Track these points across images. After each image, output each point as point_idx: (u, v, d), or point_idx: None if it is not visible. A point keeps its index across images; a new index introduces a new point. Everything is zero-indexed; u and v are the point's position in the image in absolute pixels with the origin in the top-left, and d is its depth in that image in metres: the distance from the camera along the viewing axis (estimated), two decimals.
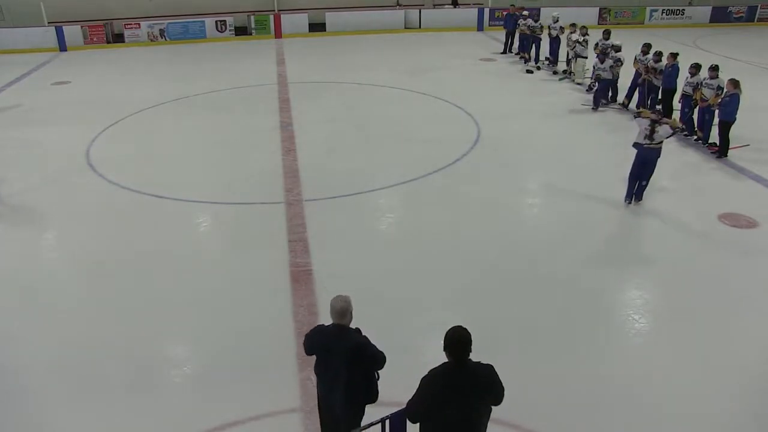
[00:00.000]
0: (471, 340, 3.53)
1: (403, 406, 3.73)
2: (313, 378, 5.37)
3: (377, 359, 4.15)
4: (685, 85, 11.24)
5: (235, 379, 5.47)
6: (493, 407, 3.64)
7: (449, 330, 3.57)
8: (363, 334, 4.18)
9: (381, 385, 4.31)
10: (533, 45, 17.31)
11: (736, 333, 6.14)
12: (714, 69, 10.62)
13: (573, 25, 15.71)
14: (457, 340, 3.51)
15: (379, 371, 4.24)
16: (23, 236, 8.27)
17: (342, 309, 4.09)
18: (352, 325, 4.17)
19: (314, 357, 4.26)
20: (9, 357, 5.86)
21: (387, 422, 3.96)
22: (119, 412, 5.15)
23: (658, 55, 12.14)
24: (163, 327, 6.32)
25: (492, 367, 3.61)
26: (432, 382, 3.57)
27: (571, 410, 5.10)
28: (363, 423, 4.15)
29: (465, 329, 3.53)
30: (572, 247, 7.72)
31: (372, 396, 4.26)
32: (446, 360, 3.59)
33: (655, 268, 7.39)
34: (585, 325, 6.26)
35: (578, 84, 15.33)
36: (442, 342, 3.57)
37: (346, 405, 4.17)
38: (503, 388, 3.63)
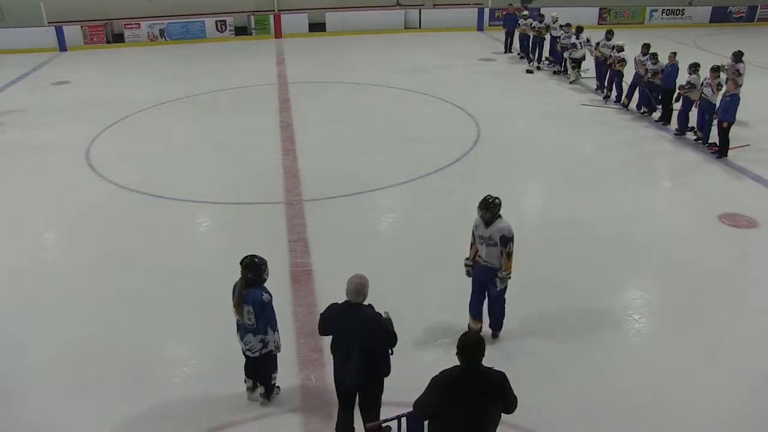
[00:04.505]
0: (484, 346, 3.52)
1: (409, 406, 3.75)
2: (314, 378, 5.44)
3: (390, 335, 4.29)
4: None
5: (235, 379, 5.46)
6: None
7: (463, 334, 3.58)
8: (376, 310, 4.31)
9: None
10: (537, 45, 17.30)
11: (736, 333, 6.13)
12: (715, 70, 10.65)
13: (568, 24, 15.78)
14: (471, 345, 3.50)
15: (392, 348, 4.38)
16: (23, 236, 8.26)
17: (358, 286, 4.23)
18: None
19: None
20: (9, 357, 5.86)
21: (403, 420, 4.02)
22: (119, 412, 5.15)
23: (655, 56, 12.14)
24: (162, 327, 6.32)
25: (504, 374, 3.61)
26: (442, 382, 3.58)
27: (570, 410, 5.10)
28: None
29: (478, 334, 3.53)
30: (572, 247, 7.72)
31: (386, 369, 4.40)
32: (456, 363, 3.59)
33: (655, 268, 7.40)
34: (584, 325, 6.25)
35: (572, 83, 15.36)
36: (455, 346, 3.57)
37: (361, 377, 4.31)
38: (515, 397, 3.64)
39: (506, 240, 5.52)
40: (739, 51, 12.14)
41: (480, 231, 5.66)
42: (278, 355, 5.12)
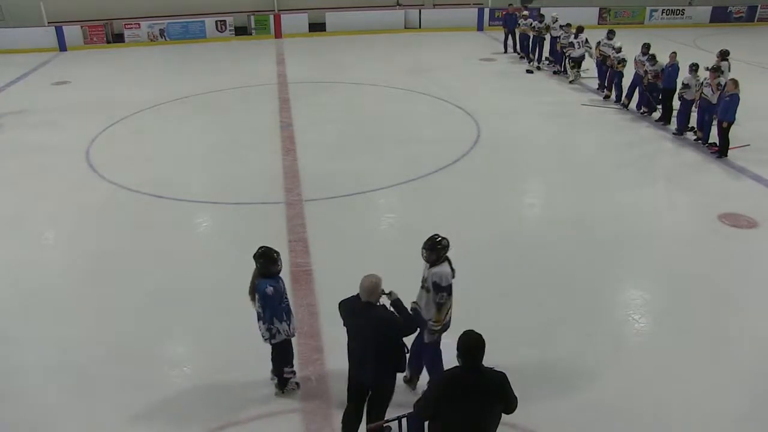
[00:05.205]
0: (484, 346, 3.52)
1: (409, 406, 3.76)
2: (314, 378, 5.44)
3: (403, 331, 4.44)
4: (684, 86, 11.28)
5: (235, 379, 5.48)
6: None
7: (463, 334, 3.57)
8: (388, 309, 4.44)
9: None
10: (537, 45, 17.30)
11: (735, 333, 6.13)
12: (715, 70, 10.67)
13: (568, 25, 15.78)
14: (471, 346, 3.51)
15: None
16: (23, 236, 8.26)
17: (370, 286, 4.32)
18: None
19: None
20: (9, 357, 5.86)
21: (404, 420, 4.04)
22: (119, 412, 5.15)
23: (653, 58, 12.15)
24: (162, 327, 6.32)
25: (504, 375, 3.62)
26: (443, 383, 3.58)
27: (570, 410, 5.10)
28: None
29: (478, 334, 3.52)
30: (572, 247, 7.72)
31: (401, 365, 4.53)
32: (457, 364, 3.60)
33: (656, 268, 7.40)
34: (584, 325, 6.26)
35: (571, 82, 15.36)
36: (456, 347, 3.57)
37: (376, 375, 4.42)
38: (516, 397, 3.64)
39: (438, 288, 4.81)
40: (726, 50, 12.18)
41: (424, 269, 5.04)
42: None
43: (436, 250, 4.87)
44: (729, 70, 11.54)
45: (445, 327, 4.98)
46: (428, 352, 5.08)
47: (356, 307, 4.40)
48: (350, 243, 7.83)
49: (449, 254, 4.94)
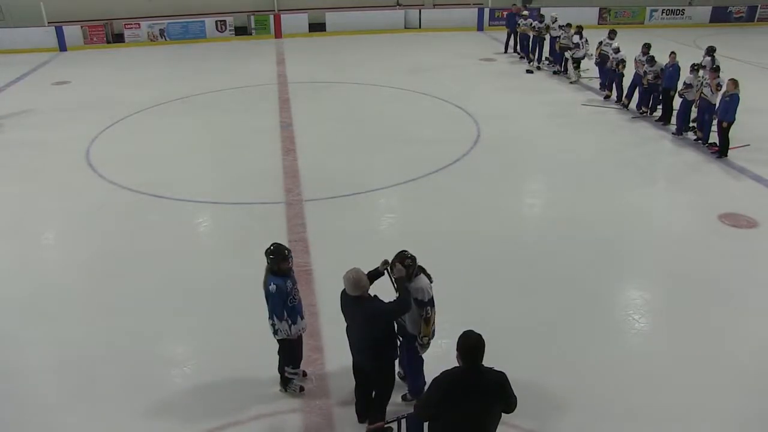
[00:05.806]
0: (484, 346, 3.52)
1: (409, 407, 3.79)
2: (314, 378, 5.46)
3: (396, 314, 4.55)
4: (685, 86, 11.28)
5: (235, 379, 5.48)
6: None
7: (462, 335, 3.58)
8: (378, 299, 4.55)
9: None
10: (537, 45, 17.30)
11: (735, 333, 6.13)
12: (714, 70, 10.69)
13: (568, 25, 15.78)
14: (471, 346, 3.51)
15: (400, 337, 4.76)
16: (23, 236, 8.26)
17: (353, 281, 4.41)
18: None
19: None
20: (9, 358, 5.86)
21: (403, 421, 4.06)
22: (119, 412, 5.16)
23: (652, 59, 12.16)
24: (162, 327, 6.32)
25: (504, 374, 3.63)
26: (442, 383, 3.58)
27: (570, 410, 5.10)
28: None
29: (478, 335, 3.53)
30: (572, 247, 7.72)
31: (395, 353, 4.74)
32: (456, 364, 3.60)
33: (655, 268, 7.40)
34: (585, 325, 6.26)
35: (572, 83, 15.36)
36: (455, 347, 3.57)
37: (374, 363, 4.60)
38: (515, 397, 3.65)
39: (422, 304, 4.68)
40: (712, 46, 12.41)
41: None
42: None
43: (406, 268, 4.68)
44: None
45: (431, 336, 4.95)
46: (413, 361, 5.01)
47: (349, 298, 4.49)
48: (350, 243, 7.82)
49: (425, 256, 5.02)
